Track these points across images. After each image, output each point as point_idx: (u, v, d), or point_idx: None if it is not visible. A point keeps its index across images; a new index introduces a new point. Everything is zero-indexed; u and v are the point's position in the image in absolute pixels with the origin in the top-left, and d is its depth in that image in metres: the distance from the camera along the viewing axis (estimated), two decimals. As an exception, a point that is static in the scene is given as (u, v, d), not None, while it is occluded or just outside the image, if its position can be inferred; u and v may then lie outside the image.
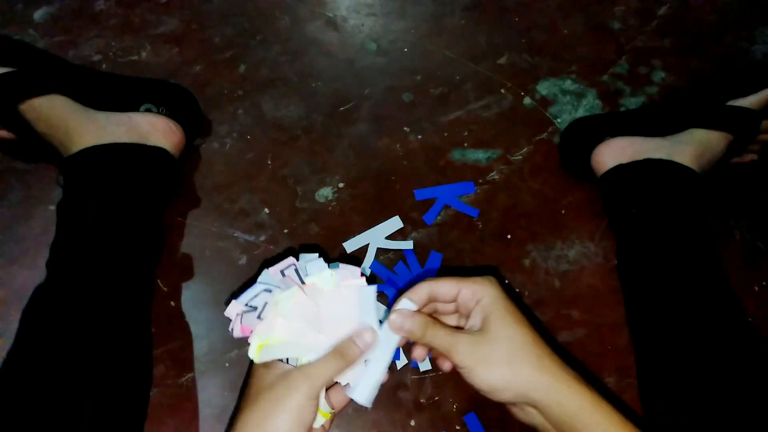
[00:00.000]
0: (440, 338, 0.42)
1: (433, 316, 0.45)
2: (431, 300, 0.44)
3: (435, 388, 0.55)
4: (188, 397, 0.54)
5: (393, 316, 0.42)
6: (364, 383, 0.42)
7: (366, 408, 0.53)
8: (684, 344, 0.50)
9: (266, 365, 0.42)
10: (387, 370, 0.43)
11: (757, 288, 0.60)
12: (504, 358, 0.40)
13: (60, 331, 0.48)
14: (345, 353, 0.41)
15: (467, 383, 0.41)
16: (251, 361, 0.42)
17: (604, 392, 0.41)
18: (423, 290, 0.44)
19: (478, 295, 0.42)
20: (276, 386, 0.39)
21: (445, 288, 0.43)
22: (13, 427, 0.44)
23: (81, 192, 0.55)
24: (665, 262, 0.54)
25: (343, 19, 0.81)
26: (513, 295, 0.44)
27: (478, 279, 0.43)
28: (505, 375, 0.40)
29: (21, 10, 0.79)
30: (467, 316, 0.44)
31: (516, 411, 0.43)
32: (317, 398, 0.40)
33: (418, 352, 0.45)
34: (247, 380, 0.43)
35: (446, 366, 0.44)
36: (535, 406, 0.40)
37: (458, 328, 0.44)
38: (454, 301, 0.44)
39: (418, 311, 0.43)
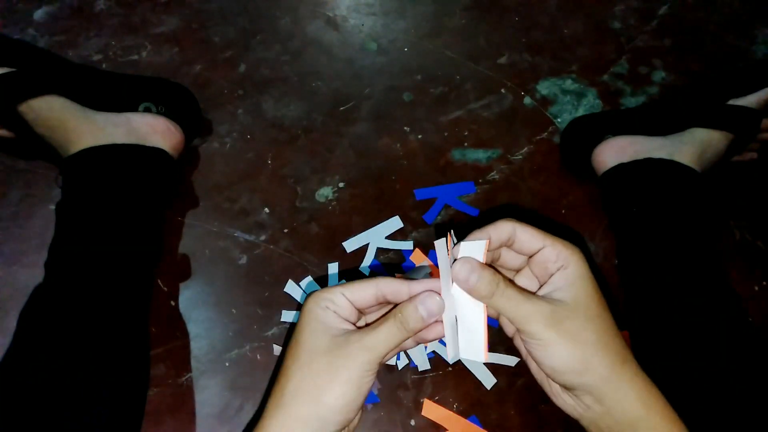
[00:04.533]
0: (513, 303, 0.35)
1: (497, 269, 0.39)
2: (507, 245, 0.38)
3: (435, 388, 0.55)
4: (188, 397, 0.54)
5: (457, 266, 0.36)
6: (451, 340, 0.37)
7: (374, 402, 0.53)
8: (685, 344, 0.50)
9: (320, 320, 0.37)
10: (482, 321, 0.37)
11: (757, 288, 0.60)
12: (591, 340, 0.34)
13: (57, 332, 0.48)
14: (405, 321, 0.36)
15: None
16: (298, 314, 0.38)
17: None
18: (504, 230, 0.37)
19: (564, 260, 0.36)
20: (333, 353, 0.35)
21: (529, 237, 0.37)
22: (9, 428, 0.44)
23: (79, 193, 0.55)
24: (666, 261, 0.54)
25: (344, 18, 0.81)
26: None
27: (567, 243, 0.37)
28: (587, 358, 0.34)
29: (21, 10, 0.79)
30: (533, 278, 0.39)
31: (565, 398, 0.37)
32: (377, 368, 0.36)
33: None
34: (295, 334, 0.38)
35: (510, 330, 0.39)
36: (600, 401, 0.35)
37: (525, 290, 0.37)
38: (530, 256, 0.38)
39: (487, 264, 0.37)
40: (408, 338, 0.36)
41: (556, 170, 0.68)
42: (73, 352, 0.47)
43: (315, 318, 0.37)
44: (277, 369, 0.43)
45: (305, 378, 0.35)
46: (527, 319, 0.35)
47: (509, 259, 0.40)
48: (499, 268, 0.40)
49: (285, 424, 0.35)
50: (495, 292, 0.35)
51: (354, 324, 0.38)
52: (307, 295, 0.39)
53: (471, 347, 0.37)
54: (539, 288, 0.38)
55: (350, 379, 0.35)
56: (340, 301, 0.37)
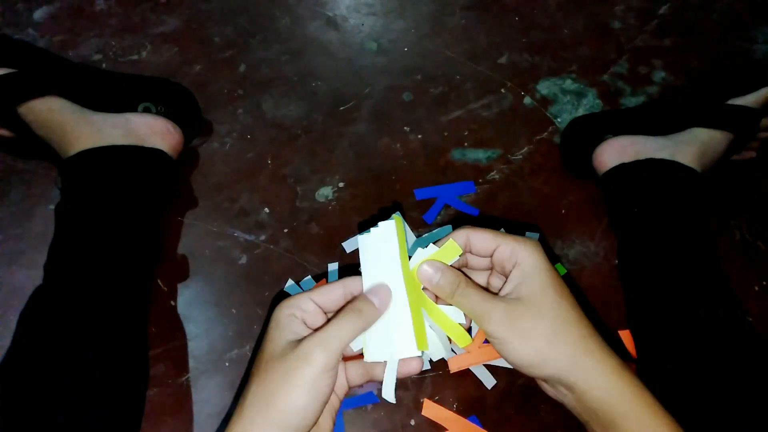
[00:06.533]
0: (472, 302, 0.37)
1: (463, 271, 0.42)
2: (465, 250, 0.40)
3: (435, 387, 0.55)
4: (188, 397, 0.54)
5: (424, 267, 0.38)
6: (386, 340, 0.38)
7: (371, 402, 0.53)
8: (684, 344, 0.50)
9: (282, 326, 0.37)
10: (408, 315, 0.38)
11: (757, 288, 0.60)
12: (544, 334, 0.36)
13: (56, 333, 0.48)
14: (360, 310, 0.37)
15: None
16: (266, 321, 0.39)
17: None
18: (460, 237, 0.40)
19: (517, 256, 0.38)
20: (287, 356, 0.35)
21: (482, 239, 0.39)
22: (9, 429, 0.44)
23: (78, 195, 0.55)
24: (666, 262, 0.54)
25: (344, 18, 0.81)
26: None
27: (520, 239, 0.38)
28: (544, 352, 0.36)
29: (21, 10, 0.79)
30: (503, 277, 0.40)
31: (546, 387, 0.39)
32: (335, 368, 0.36)
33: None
34: (262, 342, 0.38)
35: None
36: (571, 389, 0.37)
37: (487, 290, 0.40)
38: (489, 256, 0.40)
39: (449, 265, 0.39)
40: (362, 329, 0.37)
41: (556, 170, 0.68)
42: (73, 352, 0.47)
43: (277, 325, 0.37)
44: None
45: (260, 384, 0.35)
46: (484, 319, 0.37)
47: (476, 262, 0.42)
48: (469, 272, 0.43)
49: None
50: (455, 291, 0.38)
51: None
52: (279, 303, 0.38)
53: (404, 343, 0.38)
54: (503, 285, 0.39)
55: (304, 381, 0.34)
56: (308, 307, 0.38)
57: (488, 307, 0.37)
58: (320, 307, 0.38)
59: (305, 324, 0.38)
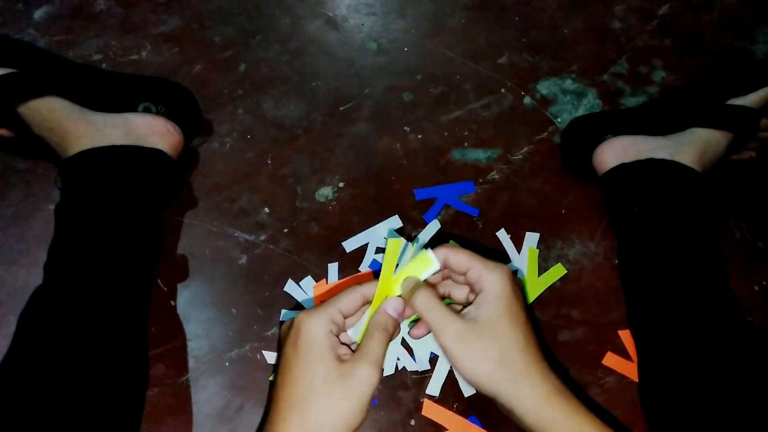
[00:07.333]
0: (433, 313, 0.42)
1: (445, 284, 0.47)
2: (444, 266, 0.45)
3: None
4: (187, 397, 0.54)
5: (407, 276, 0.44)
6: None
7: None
8: (684, 344, 0.50)
9: (325, 345, 0.40)
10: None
11: (757, 288, 0.60)
12: (493, 358, 0.40)
13: (56, 333, 0.48)
14: (384, 326, 0.42)
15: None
16: (280, 348, 0.42)
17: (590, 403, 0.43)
18: (440, 254, 0.44)
19: (483, 282, 0.42)
20: (345, 377, 0.39)
21: (458, 260, 0.44)
22: (9, 430, 0.44)
23: (78, 195, 0.55)
24: (666, 262, 0.54)
25: (344, 18, 0.81)
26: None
27: (490, 264, 0.43)
28: (489, 373, 0.40)
29: (21, 10, 0.79)
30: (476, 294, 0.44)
31: (498, 404, 0.43)
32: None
33: (416, 331, 0.47)
34: (300, 357, 0.40)
35: (419, 332, 0.46)
36: (511, 413, 0.41)
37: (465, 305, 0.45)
38: (464, 275, 0.44)
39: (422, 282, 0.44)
40: (392, 340, 0.42)
41: (556, 170, 0.68)
42: (72, 353, 0.47)
43: (319, 344, 0.40)
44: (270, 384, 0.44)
45: (324, 406, 0.38)
46: (440, 332, 0.41)
47: (458, 277, 0.46)
48: (452, 285, 0.47)
49: None
50: (416, 301, 0.42)
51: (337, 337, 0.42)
52: (305, 316, 0.41)
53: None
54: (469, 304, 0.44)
55: (365, 401, 0.39)
56: (339, 320, 0.42)
57: (445, 322, 0.41)
58: (343, 316, 0.42)
59: (339, 340, 0.42)
